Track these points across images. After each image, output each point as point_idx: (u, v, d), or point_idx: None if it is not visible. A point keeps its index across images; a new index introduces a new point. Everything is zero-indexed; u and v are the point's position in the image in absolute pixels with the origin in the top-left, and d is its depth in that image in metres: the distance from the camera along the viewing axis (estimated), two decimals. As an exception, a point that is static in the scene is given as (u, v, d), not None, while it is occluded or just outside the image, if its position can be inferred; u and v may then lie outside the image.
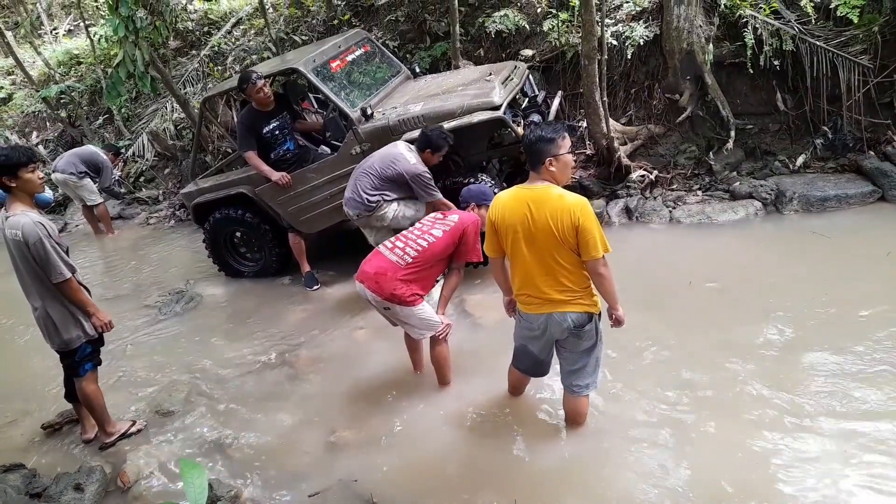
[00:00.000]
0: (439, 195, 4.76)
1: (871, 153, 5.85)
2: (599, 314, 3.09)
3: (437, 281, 3.92)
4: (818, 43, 5.91)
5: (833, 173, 5.92)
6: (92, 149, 8.53)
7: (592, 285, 3.02)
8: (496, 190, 4.47)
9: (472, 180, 4.99)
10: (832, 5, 5.89)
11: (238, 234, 6.13)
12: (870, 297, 4.18)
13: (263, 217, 5.85)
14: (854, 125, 6.00)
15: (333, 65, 5.69)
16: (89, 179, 8.18)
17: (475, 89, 5.27)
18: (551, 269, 2.97)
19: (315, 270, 5.84)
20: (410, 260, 3.64)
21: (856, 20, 5.76)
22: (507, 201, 3.03)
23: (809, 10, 5.95)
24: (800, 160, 6.08)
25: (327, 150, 6.05)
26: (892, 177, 5.48)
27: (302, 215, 5.62)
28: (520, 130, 5.10)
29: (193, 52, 9.82)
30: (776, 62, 6.00)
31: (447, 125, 4.93)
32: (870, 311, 4.05)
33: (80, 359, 3.74)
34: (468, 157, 5.35)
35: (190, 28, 10.08)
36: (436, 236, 3.72)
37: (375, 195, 4.73)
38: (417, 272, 3.64)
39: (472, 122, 4.93)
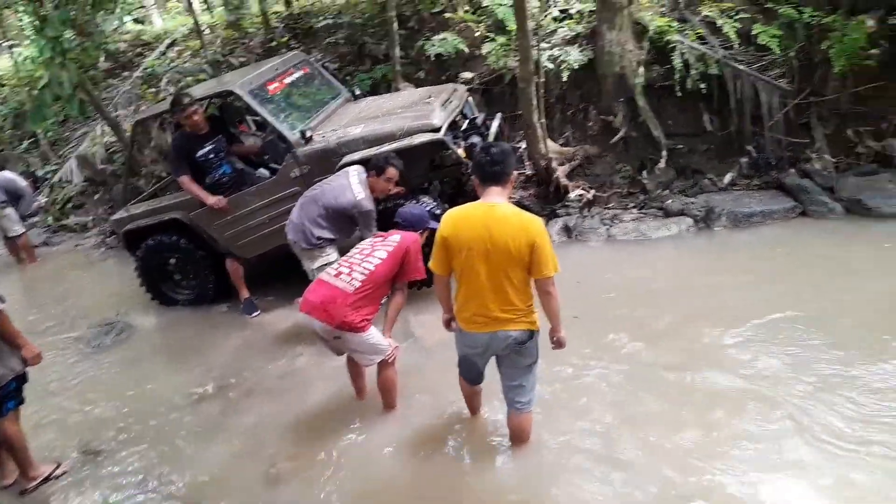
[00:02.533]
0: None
1: (793, 171, 6.15)
2: (538, 331, 3.13)
3: (381, 304, 3.88)
4: (741, 67, 6.23)
5: (758, 190, 6.20)
6: (9, 175, 8.09)
7: (534, 304, 3.06)
8: (438, 211, 4.48)
9: (413, 202, 4.99)
10: (753, 32, 6.22)
11: (172, 261, 5.92)
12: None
13: (199, 243, 5.67)
14: (776, 145, 6.32)
15: (271, 87, 5.62)
16: (11, 209, 7.76)
17: (415, 111, 5.31)
18: (502, 287, 2.98)
19: (254, 296, 5.69)
20: (359, 284, 3.59)
21: (774, 47, 6.10)
22: (464, 218, 3.02)
23: (732, 36, 6.26)
24: (727, 178, 6.35)
25: (266, 172, 5.94)
26: (812, 193, 5.79)
27: (240, 239, 5.48)
28: (460, 152, 5.14)
29: (126, 73, 9.53)
30: (702, 85, 6.27)
31: (388, 147, 4.93)
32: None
33: (2, 396, 3.50)
34: (410, 179, 5.35)
35: (122, 49, 9.79)
36: (381, 258, 3.69)
37: (318, 232, 4.60)
38: (366, 296, 3.59)
39: (412, 144, 4.95)
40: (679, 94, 6.40)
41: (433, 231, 3.34)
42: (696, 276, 5.11)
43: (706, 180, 6.42)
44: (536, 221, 2.94)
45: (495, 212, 2.95)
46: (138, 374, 4.95)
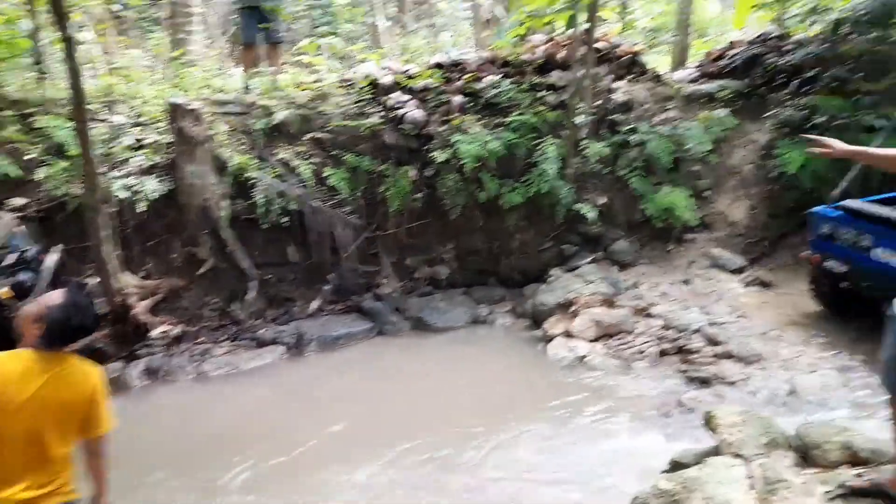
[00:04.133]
0: None
1: (368, 295, 6.91)
2: (81, 499, 2.61)
3: None
4: (317, 204, 6.84)
5: (342, 314, 6.74)
6: None
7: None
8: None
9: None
10: (324, 174, 6.95)
11: None
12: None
13: None
14: (353, 273, 7.03)
15: None
16: None
17: (-67, 244, 4.25)
18: (44, 454, 2.40)
19: None
20: None
21: (343, 187, 6.92)
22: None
23: (308, 176, 6.87)
24: (314, 305, 6.75)
25: None
26: (384, 315, 6.58)
27: None
28: (3, 291, 4.30)
29: None
30: (284, 219, 6.65)
31: None
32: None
33: None
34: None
35: None
36: None
37: None
38: None
39: (-78, 285, 3.89)
40: (264, 226, 6.65)
41: None
42: (279, 408, 5.17)
43: (296, 308, 6.70)
44: (97, 371, 2.58)
45: (47, 362, 2.44)
46: None
